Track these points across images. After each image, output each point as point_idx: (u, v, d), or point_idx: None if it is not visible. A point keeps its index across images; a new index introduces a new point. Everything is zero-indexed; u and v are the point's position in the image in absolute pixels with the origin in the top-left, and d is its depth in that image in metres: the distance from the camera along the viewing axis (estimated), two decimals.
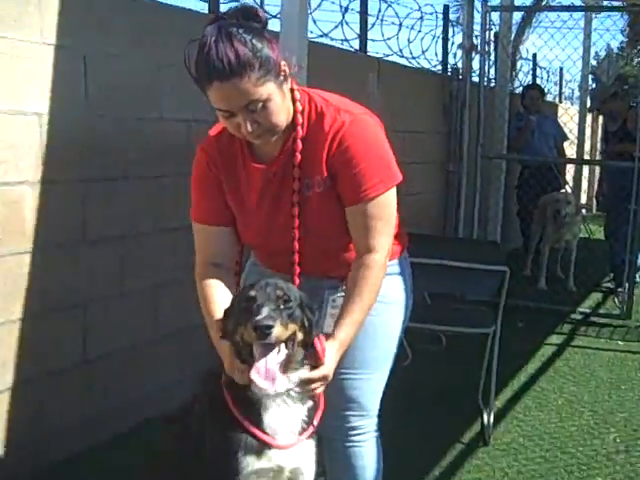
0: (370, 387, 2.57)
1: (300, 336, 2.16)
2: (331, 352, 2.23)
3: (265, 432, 2.18)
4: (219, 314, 2.27)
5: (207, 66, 2.09)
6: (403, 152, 4.25)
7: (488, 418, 4.05)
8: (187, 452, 2.36)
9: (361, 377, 2.54)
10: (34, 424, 3.44)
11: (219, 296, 2.35)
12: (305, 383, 2.20)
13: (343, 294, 2.38)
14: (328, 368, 2.22)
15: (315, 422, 2.28)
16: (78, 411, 3.62)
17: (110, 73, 3.66)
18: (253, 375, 2.06)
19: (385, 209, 2.32)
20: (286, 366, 2.15)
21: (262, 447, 2.19)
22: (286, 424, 2.21)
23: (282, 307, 2.12)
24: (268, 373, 2.07)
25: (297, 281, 2.38)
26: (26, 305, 3.36)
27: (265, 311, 2.06)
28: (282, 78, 2.20)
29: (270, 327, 2.03)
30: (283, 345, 2.11)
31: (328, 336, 2.27)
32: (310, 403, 2.27)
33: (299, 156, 2.30)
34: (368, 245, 2.30)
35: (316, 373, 2.20)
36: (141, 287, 3.96)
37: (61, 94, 3.43)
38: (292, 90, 2.30)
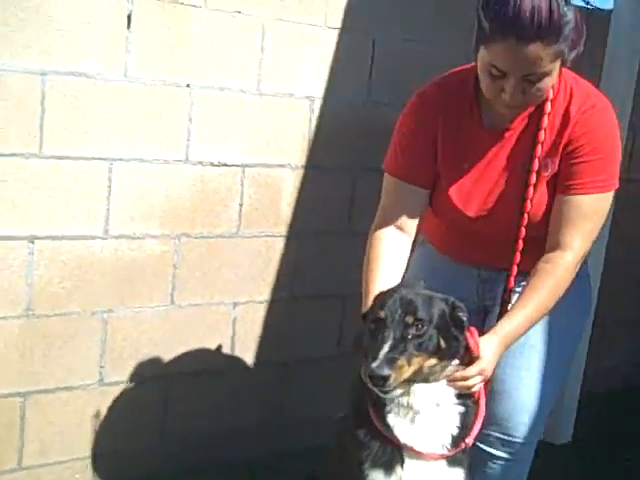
0: (545, 395, 2.29)
1: (432, 362, 1.87)
2: (490, 345, 1.99)
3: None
4: (378, 287, 2.06)
5: (511, 18, 1.85)
6: None
7: None
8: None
9: (533, 382, 2.28)
10: (268, 409, 3.46)
11: (390, 264, 2.16)
12: (459, 380, 1.94)
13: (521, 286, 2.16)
14: (486, 361, 1.97)
15: (471, 436, 1.97)
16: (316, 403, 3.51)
17: (399, 59, 3.43)
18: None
19: (598, 210, 2.11)
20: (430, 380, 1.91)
21: (392, 462, 1.93)
22: (430, 435, 1.92)
23: (411, 336, 1.84)
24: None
25: (515, 270, 2.17)
26: (274, 289, 3.36)
27: (381, 355, 1.80)
28: (573, 55, 1.95)
29: (385, 379, 1.78)
30: None
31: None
32: (462, 409, 1.96)
33: (543, 134, 2.07)
34: (566, 242, 2.08)
35: (471, 369, 1.94)
36: None
37: (341, 78, 3.31)
38: None
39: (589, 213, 2.09)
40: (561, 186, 2.10)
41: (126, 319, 3.02)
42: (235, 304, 3.28)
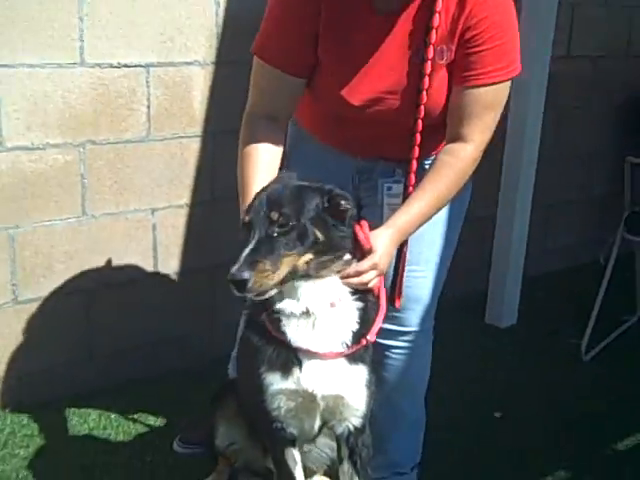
0: (436, 285, 2.28)
1: (308, 257, 1.77)
2: (383, 238, 1.90)
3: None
4: (255, 187, 1.92)
5: None
6: None
7: None
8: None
9: (426, 275, 2.25)
10: (198, 316, 3.40)
11: (264, 160, 2.00)
12: (353, 276, 1.83)
13: (398, 180, 2.11)
14: (379, 254, 1.87)
15: (372, 332, 1.89)
16: None
17: None
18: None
19: (499, 100, 1.99)
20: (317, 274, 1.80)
21: (288, 364, 1.86)
22: (327, 334, 1.85)
23: (276, 233, 1.73)
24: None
25: (415, 165, 2.03)
26: (193, 191, 3.25)
27: (242, 258, 1.70)
28: None
29: (244, 282, 1.67)
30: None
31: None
32: (360, 305, 1.88)
33: (437, 18, 1.91)
34: (467, 134, 1.97)
35: (363, 263, 1.85)
36: None
37: None
38: None
39: (490, 104, 1.97)
40: (459, 77, 1.96)
41: (35, 234, 2.91)
42: (153, 210, 3.17)
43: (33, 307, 2.98)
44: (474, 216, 4.06)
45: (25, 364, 3.00)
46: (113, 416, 3.01)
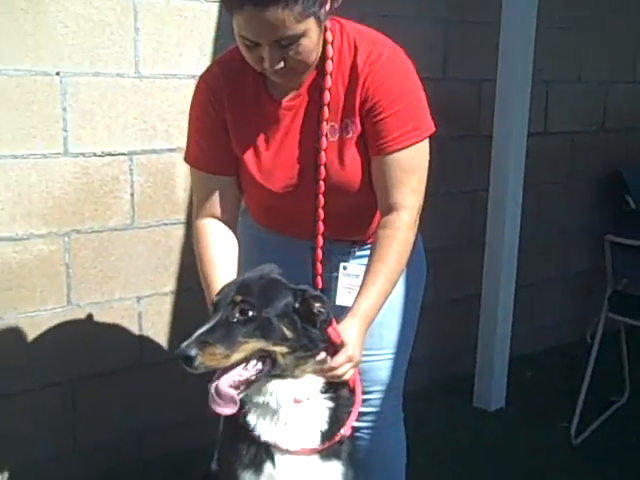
0: (400, 366, 2.31)
1: (282, 349, 1.75)
2: (352, 329, 1.90)
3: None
4: (217, 283, 1.96)
5: None
6: None
7: None
8: None
9: (390, 357, 2.27)
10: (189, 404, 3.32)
11: (221, 258, 2.06)
12: (328, 372, 1.84)
13: (355, 260, 2.16)
14: (352, 347, 1.88)
15: (347, 426, 1.88)
16: None
17: None
18: (210, 400, 1.77)
19: (418, 161, 2.00)
20: (287, 375, 1.80)
21: (261, 461, 1.84)
22: (295, 431, 1.82)
23: (236, 319, 1.74)
24: (223, 396, 1.75)
25: (321, 241, 2.09)
26: (179, 278, 3.23)
27: (194, 336, 1.70)
28: (326, 9, 1.86)
29: (190, 359, 1.68)
30: (254, 361, 1.75)
31: (344, 310, 1.99)
32: (331, 404, 1.87)
33: (328, 95, 1.97)
34: (396, 202, 1.98)
35: (338, 358, 1.85)
36: None
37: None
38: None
39: (409, 168, 1.98)
40: (373, 147, 1.99)
41: (19, 325, 2.87)
42: (139, 298, 3.15)
43: (19, 402, 2.91)
44: (460, 296, 4.08)
45: (10, 459, 2.94)
46: None
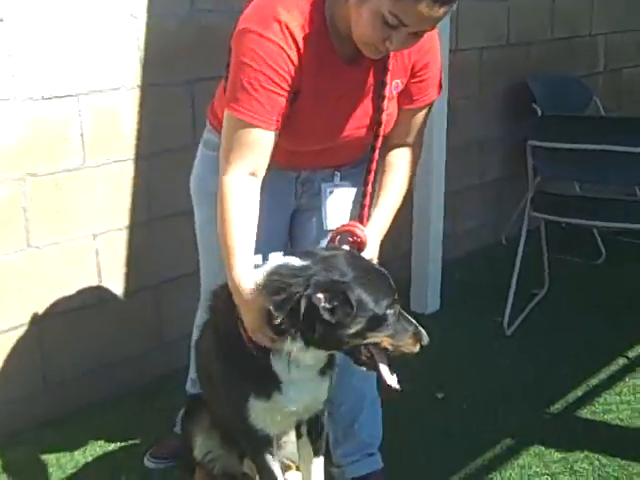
0: None
1: None
2: (374, 238, 2.24)
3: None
4: (244, 248, 2.02)
5: None
6: None
7: None
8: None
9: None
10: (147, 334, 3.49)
11: (250, 219, 2.05)
12: None
13: (338, 184, 2.36)
14: (371, 252, 2.21)
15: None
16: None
17: None
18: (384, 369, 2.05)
19: (429, 113, 2.36)
20: None
21: (271, 390, 2.10)
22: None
23: None
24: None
25: (369, 191, 2.31)
26: (131, 214, 3.32)
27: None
28: None
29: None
30: None
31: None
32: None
33: (392, 61, 2.16)
34: (411, 141, 2.32)
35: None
36: None
37: None
38: None
39: (427, 118, 2.34)
40: (408, 99, 2.25)
41: None
42: (94, 235, 3.23)
43: None
44: None
45: None
46: (79, 442, 3.05)
